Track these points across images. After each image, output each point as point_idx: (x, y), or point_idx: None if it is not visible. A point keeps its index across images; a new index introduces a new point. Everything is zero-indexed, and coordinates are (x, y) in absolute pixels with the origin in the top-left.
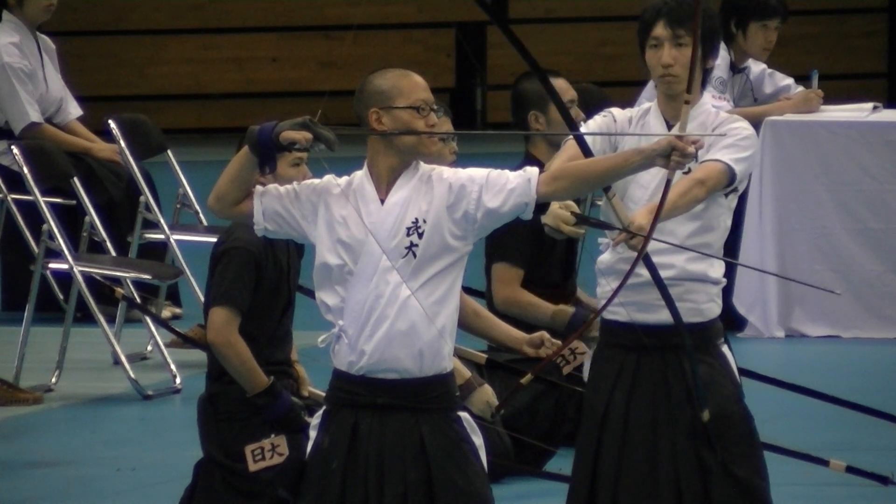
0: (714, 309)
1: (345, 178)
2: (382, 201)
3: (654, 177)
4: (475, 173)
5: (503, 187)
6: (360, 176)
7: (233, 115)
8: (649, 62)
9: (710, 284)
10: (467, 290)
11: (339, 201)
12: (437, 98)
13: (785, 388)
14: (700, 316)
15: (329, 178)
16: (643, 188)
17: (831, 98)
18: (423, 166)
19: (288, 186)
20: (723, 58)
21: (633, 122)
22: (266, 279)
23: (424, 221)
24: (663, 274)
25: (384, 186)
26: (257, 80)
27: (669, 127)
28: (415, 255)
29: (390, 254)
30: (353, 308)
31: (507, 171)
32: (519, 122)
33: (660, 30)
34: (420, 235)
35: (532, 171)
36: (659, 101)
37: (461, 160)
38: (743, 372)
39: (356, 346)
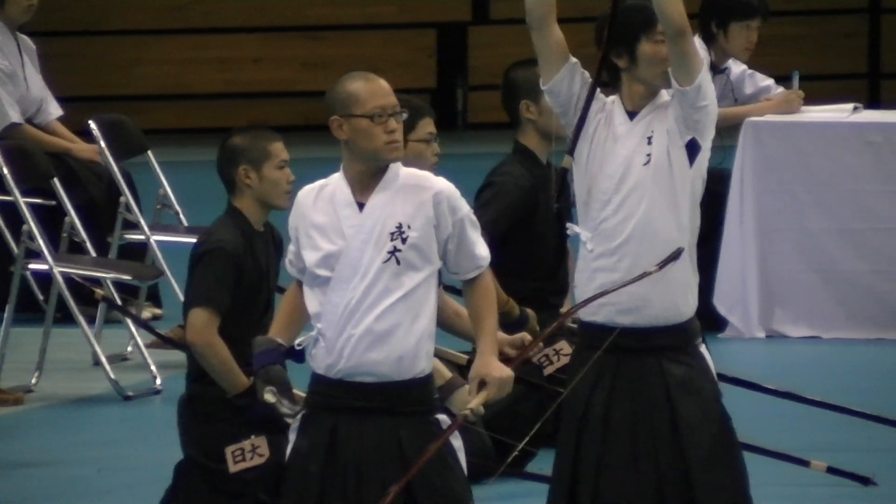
0: (691, 308)
1: (318, 183)
2: (361, 205)
3: (618, 166)
4: (462, 208)
5: (470, 245)
6: (336, 179)
7: (216, 116)
8: (651, 56)
9: (687, 277)
10: (448, 289)
11: (315, 208)
12: (421, 99)
13: (764, 392)
14: (678, 316)
15: (303, 191)
16: (610, 178)
17: (812, 99)
18: (406, 171)
19: (291, 247)
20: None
21: (603, 113)
22: (246, 280)
23: (409, 227)
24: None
25: (360, 191)
26: (240, 81)
27: (631, 116)
28: (398, 262)
29: (370, 258)
30: (331, 312)
31: (479, 229)
32: (510, 111)
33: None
34: (404, 241)
35: (486, 256)
36: (624, 94)
37: (443, 161)
38: (722, 377)
39: (334, 349)
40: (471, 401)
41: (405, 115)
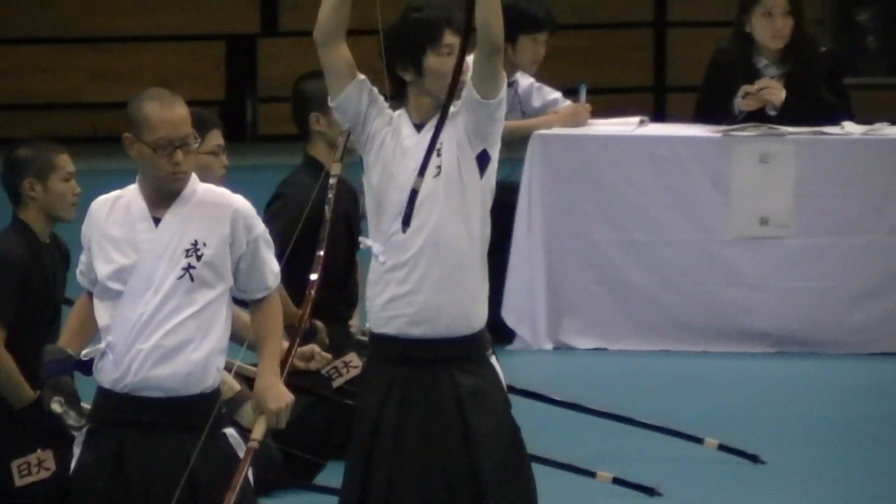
0: (481, 319)
1: (114, 194)
2: (157, 220)
3: (409, 179)
4: (257, 227)
5: (262, 265)
6: (132, 191)
7: (0, 127)
8: (437, 69)
9: (478, 288)
10: (236, 301)
11: (109, 219)
12: (209, 110)
13: (552, 403)
14: (469, 328)
15: (97, 202)
16: (401, 191)
17: (599, 112)
18: (203, 187)
19: (82, 258)
20: None
21: (390, 126)
22: (32, 292)
23: (205, 245)
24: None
25: (156, 205)
26: (25, 91)
27: (419, 129)
28: (192, 279)
29: (164, 274)
30: (121, 325)
31: (273, 249)
32: (299, 123)
33: (451, 38)
34: (199, 258)
35: (276, 278)
36: (411, 107)
37: (232, 173)
38: (511, 389)
39: (122, 363)
40: (255, 425)
41: (197, 144)
